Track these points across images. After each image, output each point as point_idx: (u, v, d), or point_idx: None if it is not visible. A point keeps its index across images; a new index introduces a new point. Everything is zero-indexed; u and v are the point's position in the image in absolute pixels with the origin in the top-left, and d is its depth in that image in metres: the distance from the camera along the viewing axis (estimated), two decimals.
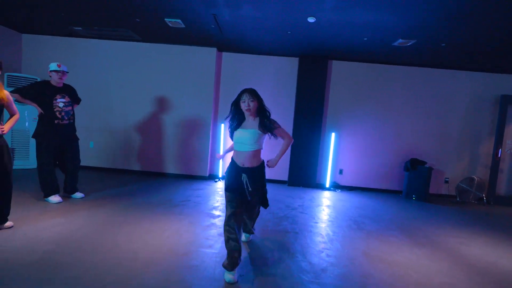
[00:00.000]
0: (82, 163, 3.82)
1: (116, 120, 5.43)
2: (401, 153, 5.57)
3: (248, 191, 2.01)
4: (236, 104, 2.09)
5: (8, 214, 2.49)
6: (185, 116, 5.41)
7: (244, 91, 2.05)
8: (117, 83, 5.39)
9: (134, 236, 2.54)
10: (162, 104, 5.42)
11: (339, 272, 2.18)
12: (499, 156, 5.38)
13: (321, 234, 2.99)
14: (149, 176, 5.34)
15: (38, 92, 3.15)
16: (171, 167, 5.49)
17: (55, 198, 3.26)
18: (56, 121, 3.21)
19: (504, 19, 3.24)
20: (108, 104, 5.42)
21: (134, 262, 2.07)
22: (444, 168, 5.61)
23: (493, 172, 5.43)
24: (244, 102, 2.03)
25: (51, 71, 3.23)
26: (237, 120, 2.11)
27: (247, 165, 2.03)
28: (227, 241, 1.95)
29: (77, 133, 3.52)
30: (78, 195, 3.52)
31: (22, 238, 2.30)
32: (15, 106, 2.59)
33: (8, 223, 2.48)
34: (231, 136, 2.13)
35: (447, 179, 5.63)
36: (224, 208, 3.58)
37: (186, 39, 4.95)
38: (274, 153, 2.30)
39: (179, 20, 4.09)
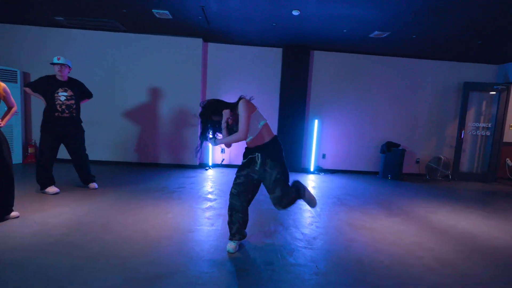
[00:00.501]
0: None
1: (104, 112, 5.39)
2: (377, 137, 6.04)
3: (256, 168, 2.08)
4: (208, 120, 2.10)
5: (12, 205, 2.57)
6: (173, 107, 5.50)
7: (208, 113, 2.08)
8: (103, 75, 5.33)
9: (140, 218, 2.72)
10: (150, 95, 5.46)
11: (328, 239, 2.51)
12: (462, 137, 5.99)
13: (309, 210, 3.32)
14: (140, 166, 5.43)
15: (43, 85, 3.27)
16: (161, 157, 5.60)
17: (51, 189, 3.32)
18: (56, 114, 3.27)
19: (466, 14, 3.64)
20: (93, 97, 5.36)
21: (146, 239, 2.27)
22: (415, 150, 6.16)
23: (457, 151, 6.05)
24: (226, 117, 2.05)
25: (51, 63, 3.31)
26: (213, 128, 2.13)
27: (257, 144, 2.09)
28: (229, 215, 2.19)
29: (81, 126, 3.56)
30: (91, 185, 3.63)
31: (32, 225, 2.41)
32: (12, 99, 2.63)
33: (14, 213, 2.56)
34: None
35: (418, 160, 6.20)
36: (219, 193, 3.84)
37: (172, 29, 4.99)
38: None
39: (167, 11, 4.15)
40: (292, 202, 2.17)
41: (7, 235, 2.22)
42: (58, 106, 3.27)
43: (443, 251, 2.38)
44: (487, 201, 4.29)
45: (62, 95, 3.30)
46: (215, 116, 2.07)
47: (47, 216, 2.64)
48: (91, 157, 5.55)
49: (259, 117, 2.07)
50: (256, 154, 2.09)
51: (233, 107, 2.06)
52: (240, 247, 2.25)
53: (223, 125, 2.05)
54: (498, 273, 2.08)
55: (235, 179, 2.18)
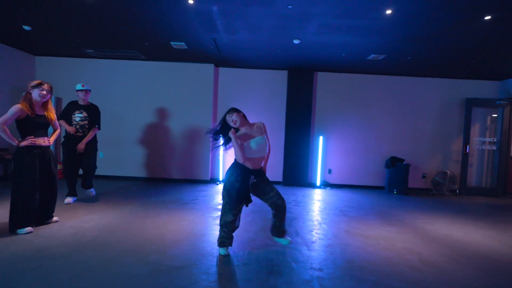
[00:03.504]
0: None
1: (124, 132, 5.98)
2: (382, 153, 6.26)
3: (252, 190, 2.32)
4: (224, 122, 2.37)
5: (53, 211, 3.02)
6: (187, 126, 6.00)
7: (228, 110, 2.37)
8: (124, 98, 5.97)
9: (158, 224, 3.10)
10: (166, 115, 6.01)
11: (325, 243, 2.79)
12: (467, 151, 6.11)
13: (311, 220, 3.59)
14: (156, 181, 5.88)
15: (68, 110, 3.79)
16: (175, 173, 6.04)
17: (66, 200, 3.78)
18: (71, 134, 3.72)
19: (454, 38, 3.98)
20: (116, 118, 5.97)
21: (164, 241, 2.63)
22: (421, 165, 6.31)
23: (463, 166, 6.14)
24: (230, 117, 2.31)
25: (76, 90, 3.81)
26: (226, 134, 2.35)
27: (258, 168, 2.34)
28: (220, 237, 2.38)
29: (95, 145, 4.00)
30: (88, 192, 4.05)
31: (70, 228, 2.84)
32: (58, 124, 3.14)
33: (54, 218, 3.01)
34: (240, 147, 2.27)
35: (424, 175, 6.33)
36: None
37: (187, 57, 5.59)
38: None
39: (183, 43, 4.74)
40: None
41: (52, 235, 2.66)
42: (73, 126, 3.70)
43: (430, 255, 2.59)
44: (490, 214, 4.38)
45: (77, 116, 3.74)
46: (236, 115, 2.32)
47: (80, 221, 3.07)
48: (112, 172, 6.13)
49: None
50: (251, 176, 2.29)
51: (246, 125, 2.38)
52: (245, 247, 2.57)
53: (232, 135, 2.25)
54: (481, 275, 2.28)
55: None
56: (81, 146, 3.73)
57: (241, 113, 2.38)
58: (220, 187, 5.61)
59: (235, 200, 2.26)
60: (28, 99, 2.73)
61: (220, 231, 2.41)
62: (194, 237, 2.77)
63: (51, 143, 2.97)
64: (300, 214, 3.84)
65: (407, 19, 3.47)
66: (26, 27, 4.28)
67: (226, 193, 2.31)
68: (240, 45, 4.69)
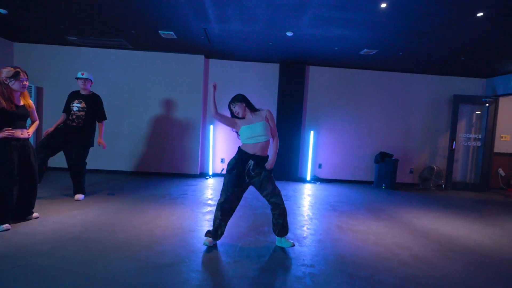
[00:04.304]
0: None
1: (110, 124, 5.68)
2: (372, 148, 6.31)
3: (249, 174, 2.35)
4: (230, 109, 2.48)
5: (33, 207, 2.87)
6: (176, 118, 5.85)
7: (231, 100, 2.44)
8: (109, 89, 5.70)
9: (146, 219, 3.00)
10: (152, 108, 5.81)
11: (316, 238, 2.77)
12: (453, 147, 6.24)
13: (302, 215, 3.58)
14: (145, 175, 5.73)
15: (68, 101, 3.62)
16: (164, 167, 5.90)
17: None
18: (67, 122, 3.55)
19: (445, 35, 3.99)
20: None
21: (153, 236, 2.55)
22: (409, 160, 6.41)
23: (449, 162, 6.28)
24: (234, 109, 2.42)
25: (76, 78, 3.62)
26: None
27: (258, 153, 2.35)
28: (215, 218, 2.42)
29: (87, 140, 3.65)
30: (77, 197, 3.60)
31: (52, 224, 2.71)
32: (36, 114, 2.97)
33: (35, 214, 2.86)
34: (226, 118, 2.45)
35: (412, 170, 6.44)
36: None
37: (176, 47, 5.40)
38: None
39: (172, 33, 4.56)
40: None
41: (32, 231, 2.52)
42: (70, 116, 3.54)
43: (419, 250, 2.62)
44: (475, 208, 4.50)
45: (75, 106, 3.55)
46: (238, 106, 2.41)
47: (63, 217, 2.93)
48: (99, 166, 5.93)
49: None
50: (250, 160, 2.36)
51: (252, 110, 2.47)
52: (236, 244, 2.52)
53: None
54: (470, 269, 2.31)
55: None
56: (101, 141, 3.76)
57: (244, 104, 2.41)
58: (210, 181, 5.52)
59: (227, 180, 2.36)
60: (5, 93, 2.54)
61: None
62: (183, 233, 2.69)
63: (30, 135, 2.80)
64: (291, 208, 3.81)
65: (400, 13, 3.44)
66: (2, 10, 4.00)
67: (225, 175, 2.42)
68: (232, 36, 4.56)
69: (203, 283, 1.88)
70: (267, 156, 2.44)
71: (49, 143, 3.49)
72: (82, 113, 3.58)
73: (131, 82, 5.77)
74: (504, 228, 3.45)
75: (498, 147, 6.39)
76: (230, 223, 3.05)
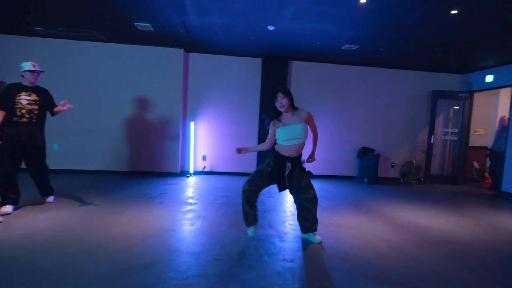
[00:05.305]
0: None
1: (82, 121, 5.43)
2: (354, 143, 6.38)
3: (288, 177, 2.36)
4: (273, 106, 2.40)
5: None
6: (155, 115, 5.64)
7: (277, 90, 2.37)
8: (81, 84, 5.41)
9: (123, 221, 2.87)
10: (129, 104, 5.56)
11: (298, 234, 2.75)
12: (431, 142, 6.43)
13: (285, 211, 3.56)
14: (122, 175, 5.49)
15: (8, 95, 2.96)
16: (143, 165, 5.68)
17: (4, 209, 2.88)
18: (15, 119, 2.94)
19: (423, 31, 4.05)
20: (72, 105, 5.42)
21: (130, 238, 2.44)
22: (390, 155, 6.54)
23: (428, 156, 6.46)
24: (277, 101, 2.35)
25: (24, 71, 3.03)
26: (278, 120, 2.41)
27: (294, 155, 2.36)
28: (242, 205, 2.45)
29: (43, 142, 3.23)
30: (47, 199, 3.37)
31: (18, 229, 2.53)
32: None
33: None
34: (272, 135, 2.43)
35: (393, 164, 6.58)
36: (200, 197, 4.01)
37: (153, 40, 5.19)
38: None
39: (148, 24, 4.38)
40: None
41: None
42: (18, 111, 2.94)
43: (397, 242, 2.66)
44: (451, 200, 4.65)
45: (24, 99, 2.99)
46: (287, 99, 2.38)
47: (30, 221, 2.75)
48: (69, 166, 5.61)
49: None
50: (287, 163, 2.38)
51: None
52: (216, 242, 2.46)
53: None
54: (443, 258, 2.37)
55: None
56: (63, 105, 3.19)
57: (288, 99, 2.38)
58: (191, 179, 5.39)
59: (258, 173, 2.40)
60: None
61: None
62: (163, 233, 2.59)
63: None
64: (274, 205, 3.78)
65: (379, 9, 3.45)
66: None
67: (259, 167, 2.47)
68: (212, 29, 4.43)
69: (181, 283, 1.80)
70: (301, 155, 2.46)
71: (8, 164, 2.92)
72: (35, 106, 3.06)
73: (105, 77, 5.48)
74: (476, 218, 3.58)
75: (473, 141, 6.64)
76: (211, 221, 2.99)
